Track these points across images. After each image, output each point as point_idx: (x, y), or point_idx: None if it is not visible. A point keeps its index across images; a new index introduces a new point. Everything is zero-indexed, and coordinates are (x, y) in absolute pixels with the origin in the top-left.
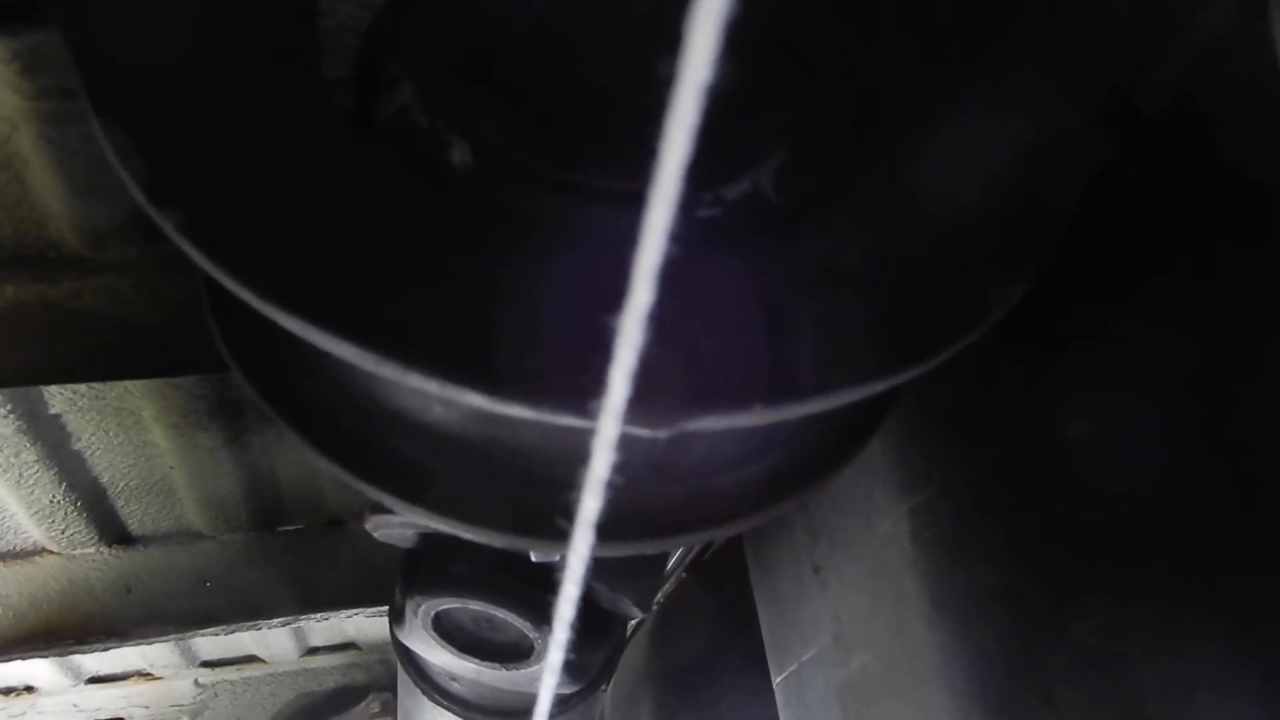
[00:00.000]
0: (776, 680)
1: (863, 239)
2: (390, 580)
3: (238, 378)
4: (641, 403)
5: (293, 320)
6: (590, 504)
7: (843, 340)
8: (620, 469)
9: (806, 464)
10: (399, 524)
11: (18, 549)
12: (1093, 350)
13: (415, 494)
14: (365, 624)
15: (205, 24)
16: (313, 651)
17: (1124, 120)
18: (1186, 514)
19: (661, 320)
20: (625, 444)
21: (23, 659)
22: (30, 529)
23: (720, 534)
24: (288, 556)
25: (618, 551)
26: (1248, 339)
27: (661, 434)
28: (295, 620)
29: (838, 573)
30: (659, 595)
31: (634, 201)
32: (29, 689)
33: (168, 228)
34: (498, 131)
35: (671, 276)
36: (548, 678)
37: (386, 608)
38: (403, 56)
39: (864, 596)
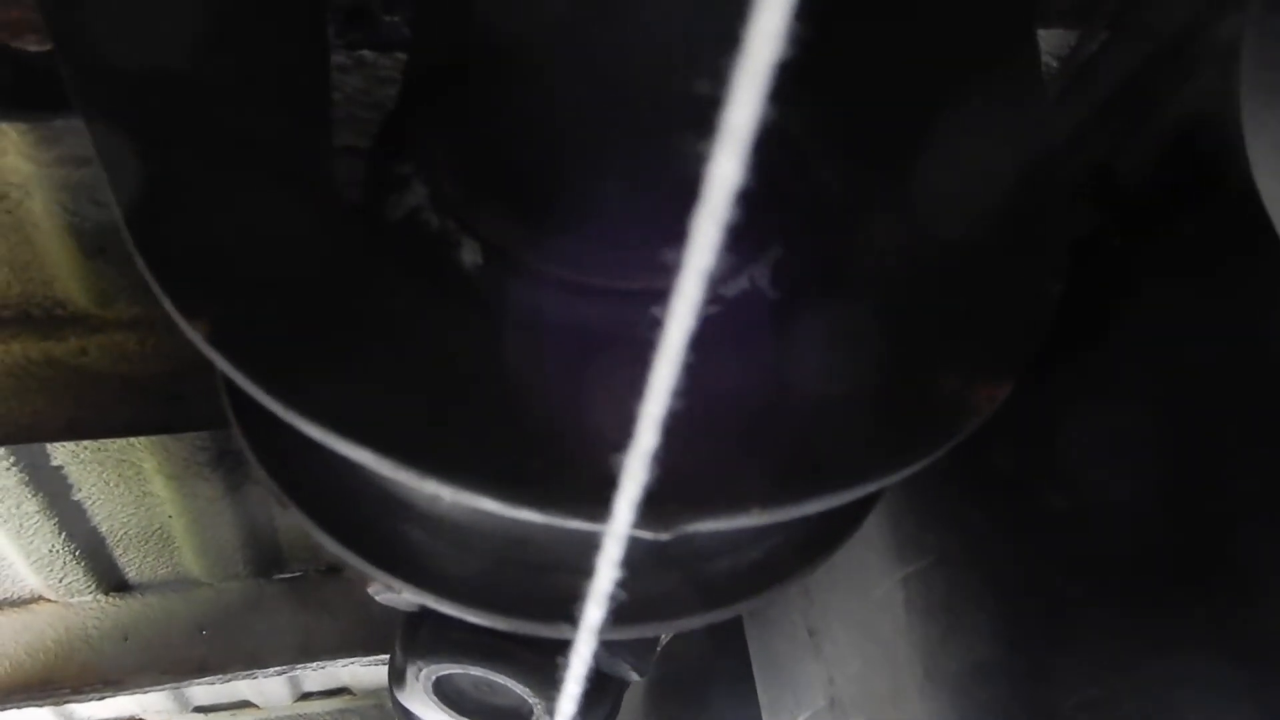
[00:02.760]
0: None
1: (854, 336)
2: (387, 628)
3: (249, 459)
4: (644, 506)
5: (316, 429)
6: (593, 599)
7: (836, 439)
8: (621, 560)
9: (802, 547)
10: (409, 595)
11: (15, 597)
12: (1075, 424)
13: (419, 577)
14: (360, 670)
15: (216, 111)
16: (306, 697)
17: (1104, 193)
18: (1168, 586)
19: (666, 419)
20: (627, 540)
21: (18, 708)
22: (28, 577)
23: (717, 617)
24: (285, 604)
25: (616, 635)
26: (1220, 412)
27: (664, 536)
28: (292, 668)
29: (831, 637)
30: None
31: (642, 300)
32: None
33: (197, 339)
34: (508, 232)
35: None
36: None
37: (382, 655)
38: (414, 157)
39: (858, 661)
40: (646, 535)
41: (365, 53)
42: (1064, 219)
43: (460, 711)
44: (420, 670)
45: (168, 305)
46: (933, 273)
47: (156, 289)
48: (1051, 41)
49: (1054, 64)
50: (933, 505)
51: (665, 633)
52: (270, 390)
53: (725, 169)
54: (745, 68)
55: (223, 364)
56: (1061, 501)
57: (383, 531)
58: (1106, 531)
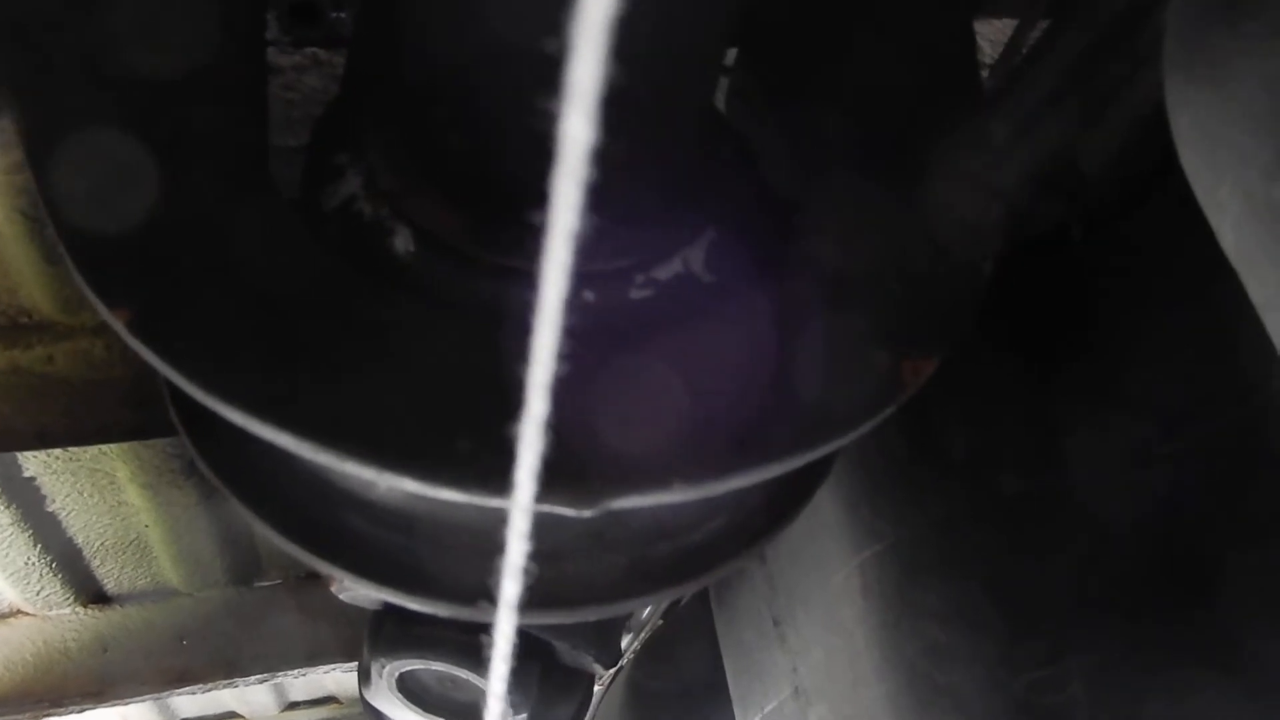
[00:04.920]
0: None
1: (784, 313)
2: None
3: (191, 453)
4: (567, 483)
5: (236, 413)
6: (518, 578)
7: (763, 417)
8: (558, 540)
9: (745, 527)
10: (356, 586)
11: None
12: (1027, 412)
13: (362, 566)
14: (345, 678)
15: (151, 107)
16: (293, 706)
17: (1064, 184)
18: (1119, 568)
19: (591, 398)
20: (560, 518)
21: None
22: (5, 590)
23: (659, 599)
24: (265, 612)
25: (560, 619)
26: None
27: (586, 513)
28: (274, 676)
29: (795, 626)
30: (630, 649)
31: (572, 284)
32: None
33: (117, 326)
34: (439, 220)
35: (603, 354)
36: None
37: None
38: (350, 147)
39: (820, 650)
40: (569, 512)
41: (321, 52)
42: (1001, 207)
43: (425, 708)
44: (384, 666)
45: (88, 294)
46: (868, 257)
47: (78, 278)
48: (992, 33)
49: (993, 56)
50: (887, 490)
51: (608, 616)
52: (190, 377)
53: (576, 128)
54: (583, 26)
55: (143, 350)
56: (1014, 484)
57: (323, 521)
58: (1058, 513)
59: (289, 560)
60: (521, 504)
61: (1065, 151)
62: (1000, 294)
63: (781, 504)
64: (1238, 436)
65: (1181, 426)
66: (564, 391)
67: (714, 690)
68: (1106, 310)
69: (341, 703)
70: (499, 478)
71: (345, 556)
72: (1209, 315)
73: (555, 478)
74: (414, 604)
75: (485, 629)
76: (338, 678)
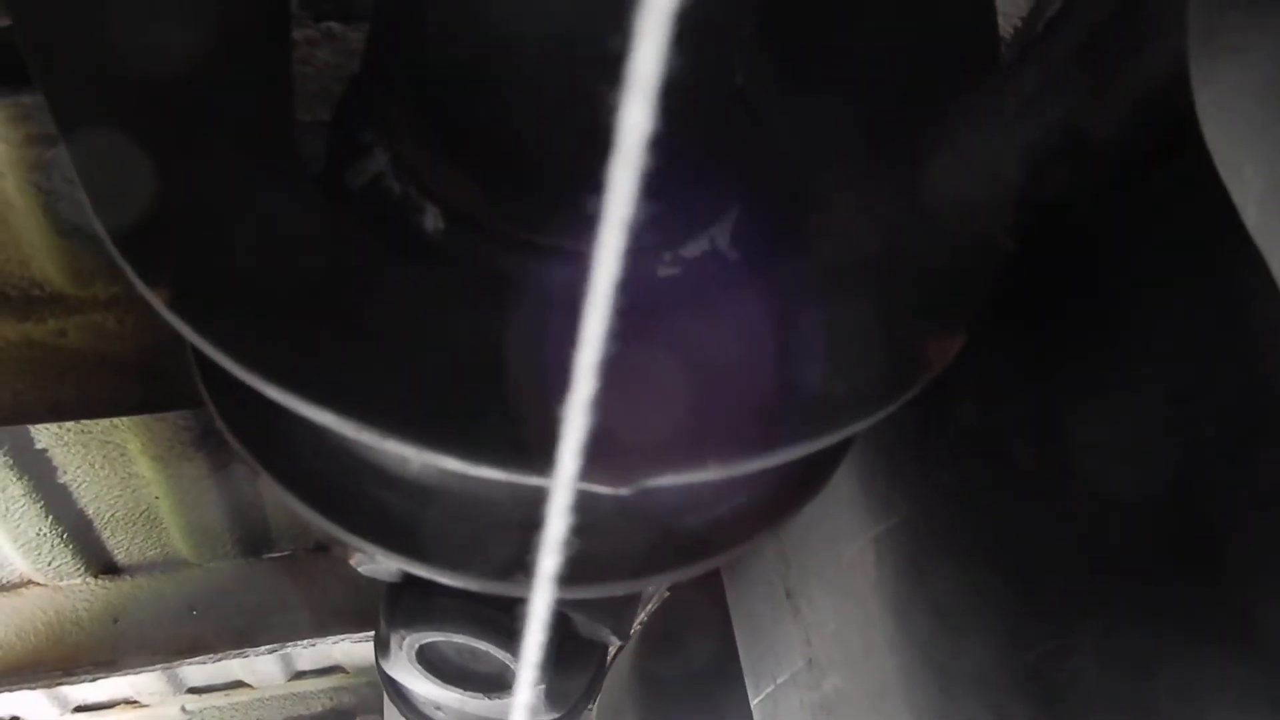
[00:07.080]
0: (754, 702)
1: (810, 296)
2: (377, 605)
3: (221, 429)
4: (604, 462)
5: (276, 390)
6: (555, 554)
7: (792, 395)
8: (588, 516)
9: (770, 502)
10: (383, 560)
11: (4, 581)
12: (1041, 384)
13: (394, 541)
14: (352, 648)
15: (176, 87)
16: (300, 676)
17: (1073, 153)
18: (1128, 538)
19: (624, 377)
20: (591, 495)
21: (9, 691)
22: (16, 561)
23: (687, 574)
24: (275, 583)
25: (588, 594)
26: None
27: (623, 491)
28: (283, 646)
29: (808, 597)
30: (638, 620)
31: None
32: None
33: (158, 304)
34: (469, 197)
35: (633, 334)
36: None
37: (373, 632)
38: (375, 124)
39: (833, 620)
40: (606, 490)
41: (334, 25)
42: (1020, 181)
43: (444, 679)
44: (404, 638)
45: (128, 271)
46: (888, 234)
47: (116, 256)
48: (1011, 3)
49: (1014, 27)
50: (901, 464)
51: (634, 590)
52: (230, 354)
53: (635, 117)
54: (646, 18)
55: (183, 328)
56: (1029, 457)
57: (354, 496)
58: (1068, 484)
59: (298, 533)
60: (562, 483)
61: (1074, 124)
62: (1009, 265)
63: (804, 479)
64: (1248, 408)
65: (1191, 397)
66: (593, 370)
67: (726, 677)
68: (1113, 281)
69: (348, 672)
70: (539, 457)
71: (375, 530)
72: (1217, 287)
73: (592, 457)
74: (448, 579)
75: (506, 602)
76: (345, 648)
